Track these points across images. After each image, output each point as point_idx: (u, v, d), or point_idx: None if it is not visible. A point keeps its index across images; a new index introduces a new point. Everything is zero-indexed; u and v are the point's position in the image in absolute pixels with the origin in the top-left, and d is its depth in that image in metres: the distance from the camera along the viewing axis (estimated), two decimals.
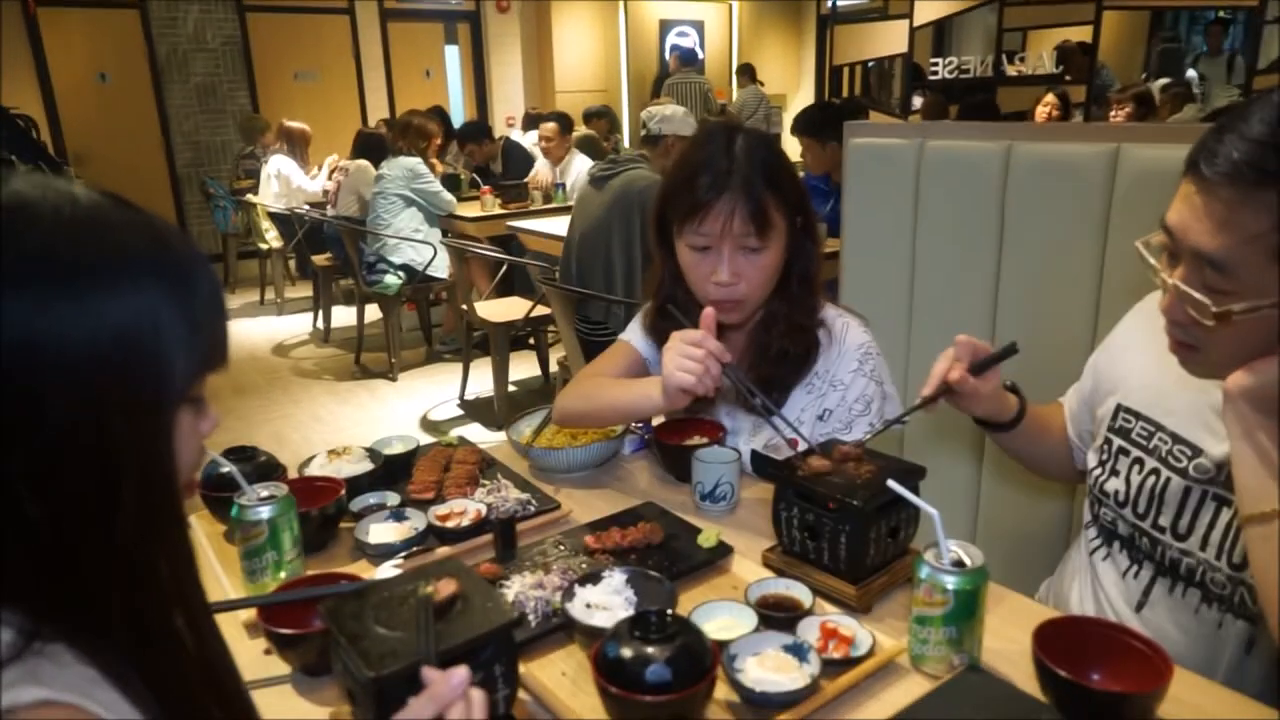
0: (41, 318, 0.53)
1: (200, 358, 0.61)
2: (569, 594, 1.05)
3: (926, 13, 7.48)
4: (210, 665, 0.65)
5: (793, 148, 4.21)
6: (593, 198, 3.35)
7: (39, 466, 0.54)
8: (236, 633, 1.08)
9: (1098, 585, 1.19)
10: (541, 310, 4.10)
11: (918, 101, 7.52)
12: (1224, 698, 0.93)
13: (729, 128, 1.41)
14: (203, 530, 1.34)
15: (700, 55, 10.41)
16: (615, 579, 1.08)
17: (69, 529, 0.56)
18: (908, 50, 7.61)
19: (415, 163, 4.90)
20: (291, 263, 7.13)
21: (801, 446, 1.25)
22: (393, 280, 4.86)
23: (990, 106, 6.22)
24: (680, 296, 1.49)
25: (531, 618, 1.05)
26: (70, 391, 0.54)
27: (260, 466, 1.36)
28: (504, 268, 4.76)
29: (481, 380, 4.64)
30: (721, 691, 0.92)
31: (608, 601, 1.04)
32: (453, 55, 9.88)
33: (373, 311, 5.44)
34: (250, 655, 1.04)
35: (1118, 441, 1.17)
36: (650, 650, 0.85)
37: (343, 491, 1.30)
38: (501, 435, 1.58)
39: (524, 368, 5.03)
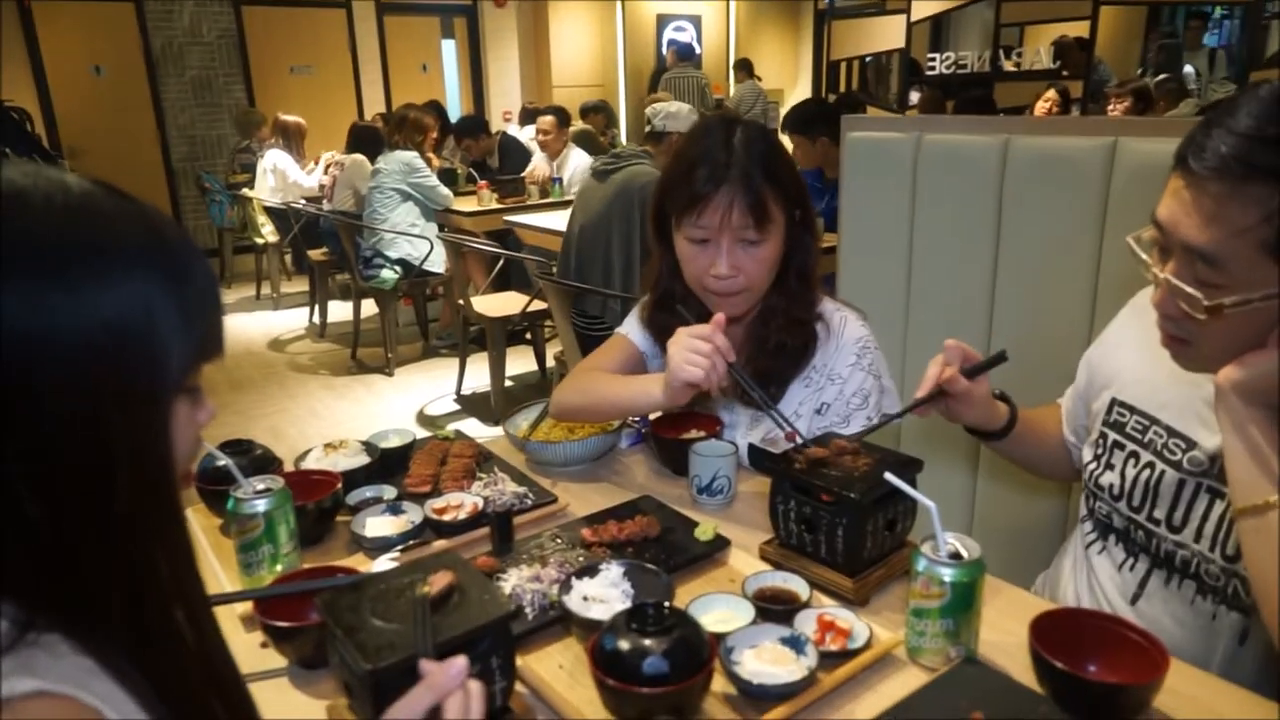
0: (34, 308, 0.52)
1: (196, 348, 0.61)
2: (566, 587, 1.05)
3: (924, 8, 7.48)
4: (209, 658, 0.65)
5: (788, 143, 4.21)
6: (595, 191, 3.34)
7: (35, 458, 0.54)
8: (233, 626, 1.08)
9: (1093, 578, 1.19)
10: (538, 305, 4.10)
11: (915, 97, 7.52)
12: (1219, 688, 0.94)
13: (727, 120, 1.41)
14: (199, 523, 1.34)
15: (698, 50, 10.40)
16: (612, 572, 1.08)
17: (66, 521, 0.55)
18: (905, 45, 7.61)
19: (411, 157, 4.89)
20: (287, 257, 7.11)
21: (799, 440, 1.25)
22: (389, 275, 4.85)
23: (987, 102, 6.22)
24: (679, 290, 1.49)
25: (529, 610, 1.05)
26: (65, 382, 0.54)
27: (256, 460, 1.36)
28: (500, 262, 4.75)
29: (478, 375, 4.64)
30: (719, 684, 0.92)
31: (605, 594, 1.04)
32: (449, 49, 9.85)
33: (369, 306, 5.43)
34: (247, 648, 1.04)
35: (1112, 435, 1.18)
36: (647, 643, 0.85)
37: (339, 485, 1.30)
38: (498, 430, 1.58)
39: (521, 363, 5.02)
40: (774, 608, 1.03)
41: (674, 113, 3.45)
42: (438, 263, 4.91)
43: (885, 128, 1.96)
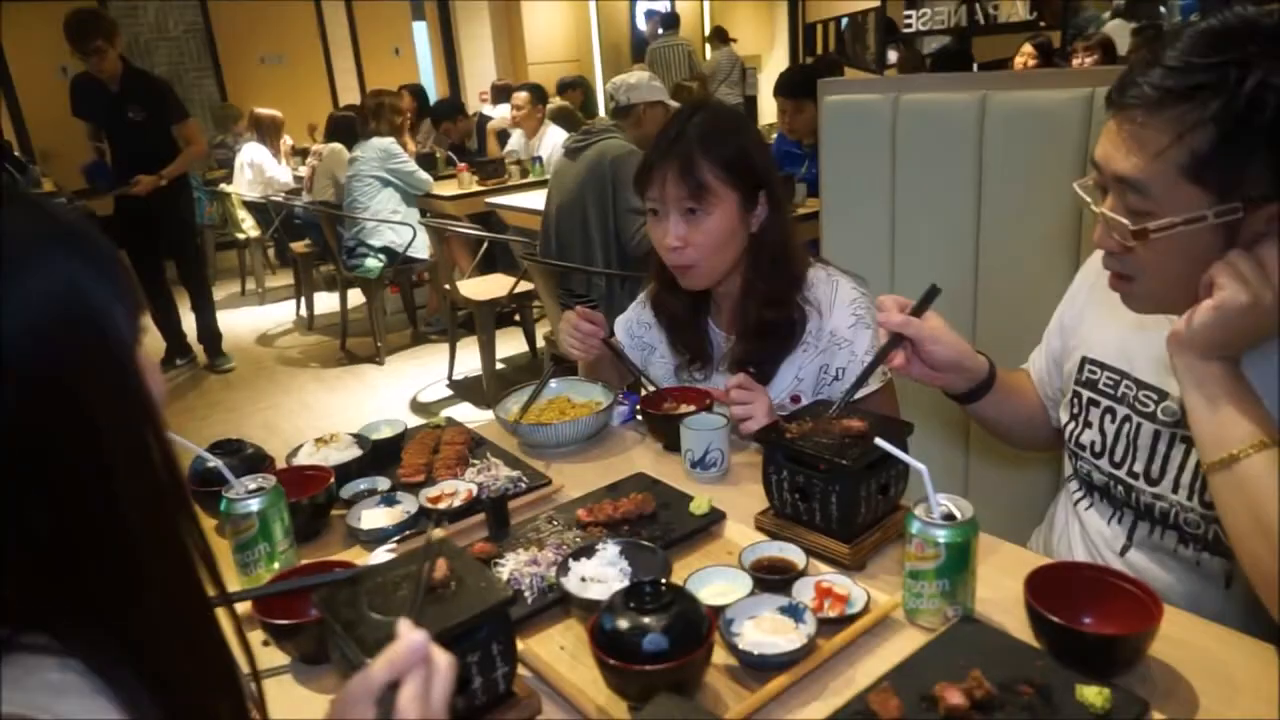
0: None
1: (132, 305, 0.61)
2: (563, 568, 1.06)
3: None
4: (217, 660, 0.65)
5: (771, 109, 4.16)
6: (568, 169, 3.33)
7: (26, 458, 0.54)
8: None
9: (1085, 533, 1.20)
10: (525, 286, 4.08)
11: (893, 56, 7.46)
12: (1210, 632, 0.95)
13: (699, 106, 1.51)
14: None
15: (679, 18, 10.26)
16: (609, 551, 1.08)
17: (65, 515, 0.55)
18: (880, 4, 7.54)
19: (389, 143, 4.84)
20: (270, 251, 7.07)
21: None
22: (373, 263, 4.82)
23: (963, 56, 6.17)
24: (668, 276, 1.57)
25: (527, 594, 1.06)
26: (31, 373, 0.54)
27: (247, 459, 1.35)
28: (485, 245, 4.73)
29: (469, 359, 4.63)
30: (720, 656, 0.93)
31: (602, 574, 1.04)
32: (421, 31, 9.74)
33: (355, 296, 5.40)
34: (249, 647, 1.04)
35: (1086, 394, 1.19)
36: (646, 620, 0.86)
37: (332, 479, 1.30)
38: (491, 414, 1.58)
39: (511, 344, 5.01)
40: (771, 578, 1.04)
41: (634, 84, 3.46)
42: (422, 249, 4.88)
43: (862, 90, 1.95)
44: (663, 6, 10.24)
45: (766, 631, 0.93)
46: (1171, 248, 0.91)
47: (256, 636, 1.05)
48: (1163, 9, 6.87)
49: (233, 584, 1.17)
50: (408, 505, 1.28)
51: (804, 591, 1.01)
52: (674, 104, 3.45)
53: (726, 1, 10.80)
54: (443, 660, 0.69)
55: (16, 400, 0.53)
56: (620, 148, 3.22)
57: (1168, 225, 0.89)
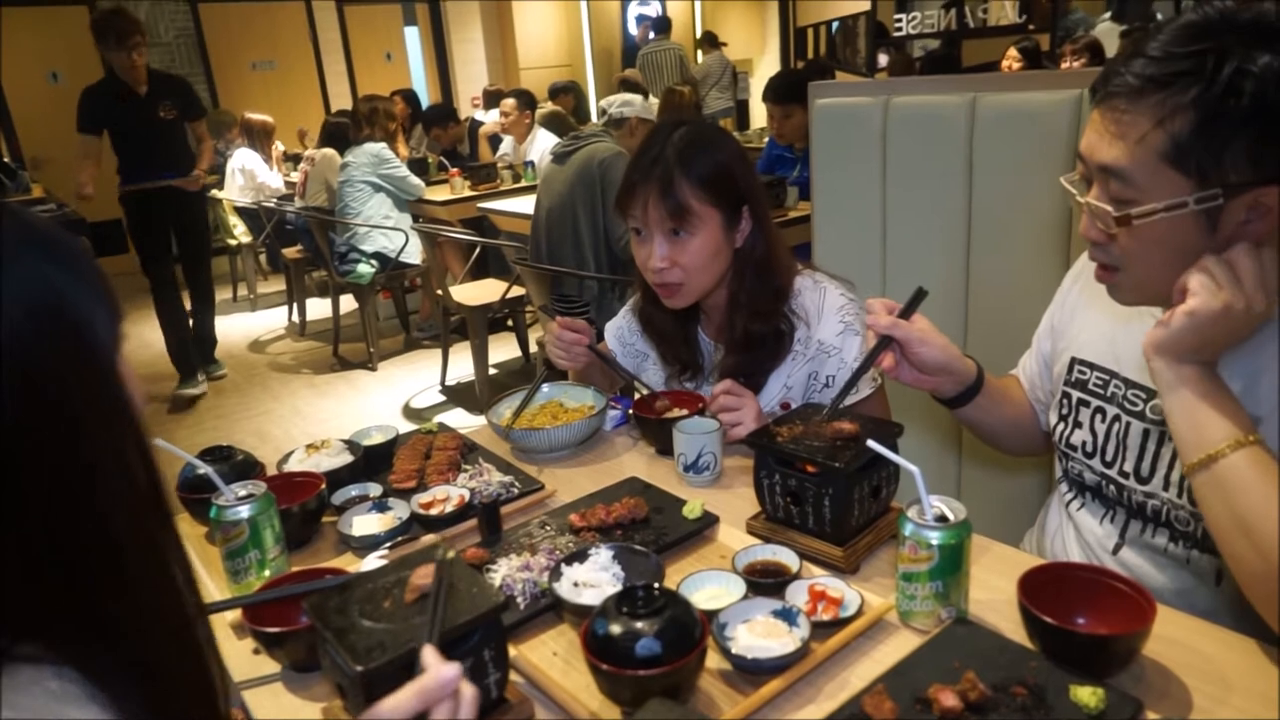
0: None
1: (112, 308, 0.61)
2: (556, 574, 1.05)
3: None
4: (201, 665, 0.65)
5: (762, 113, 4.17)
6: (557, 174, 3.33)
7: (3, 464, 0.53)
8: (224, 634, 1.08)
9: (1078, 534, 1.21)
10: (517, 291, 4.08)
11: (884, 60, 7.48)
12: (1203, 630, 0.95)
13: (677, 124, 1.49)
14: (184, 532, 1.33)
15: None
16: (602, 556, 1.08)
17: (53, 523, 0.55)
18: (871, 8, 7.56)
19: (380, 148, 4.83)
20: (262, 257, 7.04)
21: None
22: (366, 269, 4.80)
23: (952, 60, 6.19)
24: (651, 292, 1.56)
25: (520, 600, 1.05)
26: (12, 381, 0.53)
27: (238, 465, 1.34)
28: (477, 250, 4.72)
29: (462, 365, 4.62)
30: (713, 661, 0.92)
31: (595, 579, 1.04)
32: (413, 36, 9.73)
33: (348, 302, 5.39)
34: (239, 655, 1.04)
35: (1076, 394, 1.19)
36: (639, 625, 0.85)
37: (323, 485, 1.29)
38: (484, 419, 1.58)
39: (504, 350, 5.01)
40: (765, 581, 1.03)
41: (629, 99, 3.58)
42: (414, 254, 4.87)
43: (852, 93, 1.95)
44: (654, 11, 10.25)
45: (760, 635, 0.93)
46: (1154, 236, 0.93)
47: (248, 644, 1.05)
48: (1159, 16, 6.91)
49: (224, 591, 1.16)
50: (399, 511, 1.28)
51: (797, 595, 1.01)
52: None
53: (718, 5, 10.82)
54: (469, 692, 0.70)
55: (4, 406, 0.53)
56: (609, 149, 3.23)
57: (1150, 211, 0.91)
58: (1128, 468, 1.11)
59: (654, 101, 3.55)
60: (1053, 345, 1.29)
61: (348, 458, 1.41)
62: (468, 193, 5.17)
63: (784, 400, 1.51)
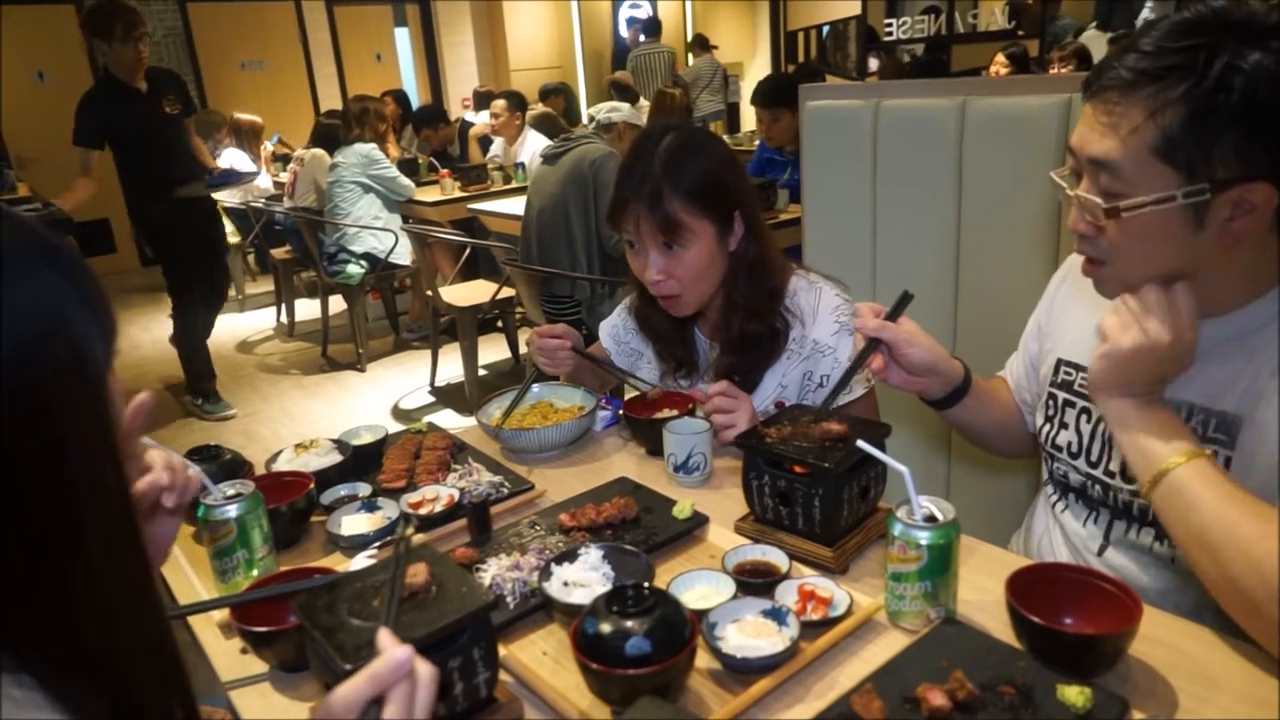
0: None
1: (108, 328, 0.61)
2: (546, 573, 1.05)
3: None
4: (172, 673, 0.64)
5: (753, 116, 4.18)
6: (548, 175, 3.33)
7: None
8: (212, 633, 1.07)
9: (1065, 535, 1.21)
10: (507, 292, 4.07)
11: (874, 64, 7.51)
12: (1188, 630, 0.96)
13: (664, 130, 1.47)
14: None
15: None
16: (592, 555, 1.08)
17: (27, 534, 0.54)
18: (861, 12, 7.60)
19: (370, 149, 4.82)
20: (250, 258, 7.01)
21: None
22: (355, 270, 4.79)
23: (940, 65, 6.22)
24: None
25: (510, 599, 1.05)
26: (4, 391, 0.53)
27: (225, 465, 1.34)
28: (467, 251, 4.71)
29: (451, 366, 4.61)
30: (703, 660, 0.92)
31: (585, 578, 1.04)
32: (403, 37, 9.70)
33: (337, 303, 5.37)
34: (227, 655, 1.03)
35: (1062, 395, 1.20)
36: (629, 624, 0.85)
37: (311, 485, 1.28)
38: (474, 420, 1.57)
39: (494, 351, 5.00)
40: (754, 581, 1.04)
41: (616, 106, 3.62)
42: (404, 255, 4.86)
43: (843, 95, 1.96)
44: (644, 14, 10.26)
45: (749, 635, 0.93)
46: (1142, 229, 0.94)
47: (235, 644, 1.04)
48: (1146, 12, 6.95)
49: (211, 591, 1.16)
50: (389, 511, 1.27)
51: (787, 595, 1.01)
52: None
53: (709, 9, 10.84)
54: (425, 673, 0.69)
55: None
56: (600, 150, 3.23)
57: (1139, 204, 0.92)
58: (1113, 467, 1.12)
59: (645, 104, 3.56)
60: (1039, 346, 1.30)
61: (337, 457, 1.41)
62: (458, 194, 5.16)
63: (779, 399, 1.52)
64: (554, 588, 1.03)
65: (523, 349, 4.78)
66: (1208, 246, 0.92)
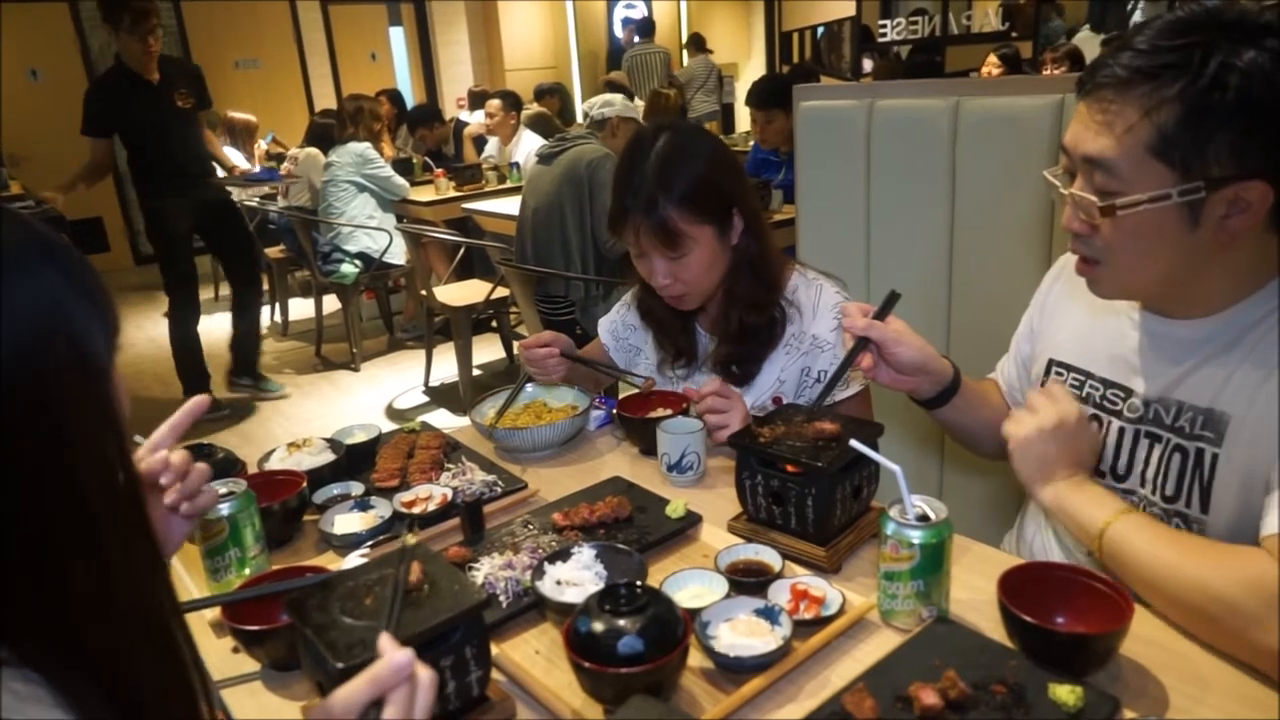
0: None
1: (110, 325, 0.61)
2: (539, 572, 1.05)
3: None
4: (176, 669, 0.64)
5: (748, 116, 4.19)
6: (543, 175, 3.33)
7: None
8: (203, 632, 1.07)
9: (1057, 535, 1.21)
10: (502, 292, 4.07)
11: (869, 65, 7.52)
12: (1180, 630, 0.95)
13: (656, 132, 1.47)
14: None
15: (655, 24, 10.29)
16: (584, 554, 1.08)
17: (32, 528, 0.55)
18: (856, 13, 7.61)
19: (364, 148, 4.81)
20: None
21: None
22: (349, 269, 4.78)
23: (933, 66, 6.23)
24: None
25: (502, 598, 1.05)
26: (6, 385, 0.53)
27: (218, 463, 1.33)
28: (462, 251, 4.70)
29: (445, 365, 4.60)
30: (695, 659, 0.92)
31: (578, 577, 1.04)
32: (397, 37, 9.68)
33: (331, 302, 5.35)
34: (219, 654, 1.03)
35: None
36: (621, 623, 0.85)
37: (304, 484, 1.28)
38: (468, 420, 1.57)
39: (488, 350, 4.99)
40: (747, 580, 1.04)
41: (608, 100, 3.55)
42: (398, 254, 4.85)
43: (837, 96, 1.96)
44: (639, 14, 10.26)
45: (742, 634, 0.93)
46: (1137, 228, 0.94)
47: (227, 643, 1.04)
48: (1138, 15, 6.98)
49: (203, 589, 1.15)
50: (382, 510, 1.27)
51: (780, 594, 1.01)
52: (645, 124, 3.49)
53: (704, 9, 10.85)
54: (425, 677, 0.69)
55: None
56: (596, 150, 3.23)
57: (1134, 202, 0.92)
58: (1104, 467, 1.12)
59: (640, 104, 3.54)
60: (1031, 347, 1.30)
61: (330, 456, 1.41)
62: (452, 193, 5.15)
63: (776, 394, 1.52)
64: (547, 587, 1.03)
65: (516, 349, 4.77)
66: (1203, 244, 0.93)
